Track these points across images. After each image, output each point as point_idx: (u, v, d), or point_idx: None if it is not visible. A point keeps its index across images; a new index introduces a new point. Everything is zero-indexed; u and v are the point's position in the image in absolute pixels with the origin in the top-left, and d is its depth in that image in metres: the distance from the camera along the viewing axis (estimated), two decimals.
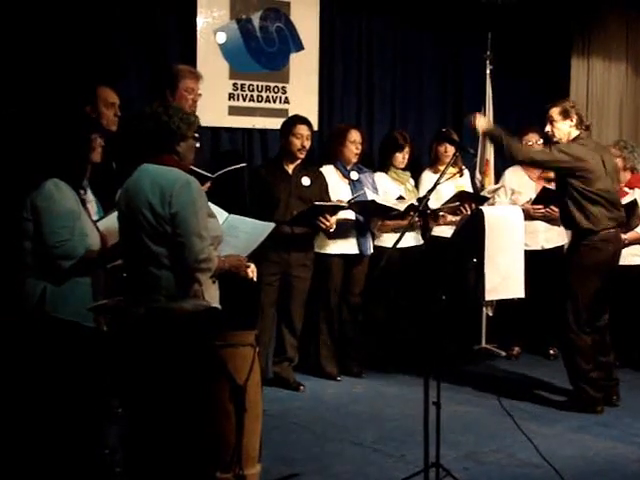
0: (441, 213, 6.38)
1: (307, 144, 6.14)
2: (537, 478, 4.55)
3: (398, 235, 4.27)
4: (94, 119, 5.35)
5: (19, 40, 5.56)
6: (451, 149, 6.76)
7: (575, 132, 5.74)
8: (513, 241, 5.06)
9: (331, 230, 6.11)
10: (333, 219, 6.06)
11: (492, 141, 6.00)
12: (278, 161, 6.23)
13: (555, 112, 5.77)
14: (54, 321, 3.98)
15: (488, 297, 4.97)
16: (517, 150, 5.68)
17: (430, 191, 4.19)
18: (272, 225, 4.47)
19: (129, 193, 3.81)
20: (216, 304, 3.85)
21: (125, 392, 3.75)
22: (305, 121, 6.18)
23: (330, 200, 6.25)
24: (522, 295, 5.53)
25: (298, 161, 6.19)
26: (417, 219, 5.45)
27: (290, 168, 6.19)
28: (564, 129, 5.74)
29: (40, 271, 4.06)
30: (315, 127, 6.94)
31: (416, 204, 5.96)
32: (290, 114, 6.68)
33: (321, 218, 5.99)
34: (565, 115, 5.74)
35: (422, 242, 6.46)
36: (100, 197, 4.71)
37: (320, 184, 6.29)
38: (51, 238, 4.01)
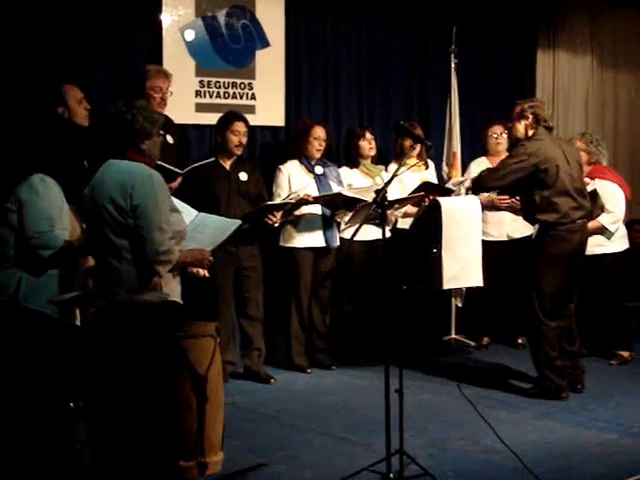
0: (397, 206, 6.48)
1: (244, 140, 6.20)
2: (499, 463, 4.62)
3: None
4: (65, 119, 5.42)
5: None
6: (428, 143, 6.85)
7: (531, 131, 5.85)
8: (471, 231, 5.15)
9: (276, 225, 6.21)
10: (278, 215, 6.16)
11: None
12: (214, 158, 6.25)
13: (514, 112, 5.92)
14: (25, 311, 4.04)
15: (446, 286, 5.05)
16: (484, 180, 5.79)
17: (387, 183, 4.27)
18: (238, 222, 4.51)
19: (94, 188, 3.88)
20: (177, 298, 3.91)
21: (88, 385, 3.79)
22: (242, 118, 6.22)
23: (266, 194, 6.38)
24: (481, 284, 5.63)
25: (234, 157, 6.24)
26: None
27: (227, 164, 6.24)
28: (520, 129, 5.89)
29: (19, 261, 4.12)
30: (282, 123, 7.05)
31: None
32: (257, 110, 6.77)
33: (269, 215, 6.10)
34: (520, 115, 5.88)
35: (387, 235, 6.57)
36: (73, 194, 4.76)
37: (257, 179, 6.37)
38: (31, 229, 4.08)
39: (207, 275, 4.52)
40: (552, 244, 5.77)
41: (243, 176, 6.25)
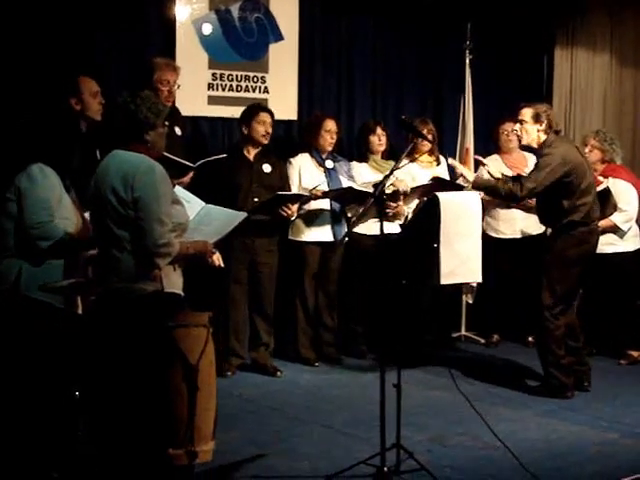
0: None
1: (270, 130, 6.24)
2: (497, 459, 4.62)
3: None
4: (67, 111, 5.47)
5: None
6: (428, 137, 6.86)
7: (543, 136, 5.81)
8: (470, 226, 5.12)
9: (292, 218, 6.24)
10: (294, 207, 6.19)
11: (485, 192, 6.06)
12: (238, 148, 6.31)
13: (527, 114, 5.84)
14: (27, 300, 4.07)
15: (444, 281, 5.04)
16: (516, 190, 5.74)
17: (386, 177, 4.29)
18: (244, 214, 4.52)
19: (97, 178, 3.89)
20: (177, 290, 3.91)
21: (85, 371, 3.84)
22: (266, 109, 6.29)
23: (290, 188, 6.39)
24: (480, 280, 5.62)
25: (259, 148, 6.28)
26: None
27: (251, 155, 6.28)
28: (532, 132, 5.82)
29: (19, 251, 4.15)
30: (295, 117, 7.07)
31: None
32: (270, 104, 6.78)
33: (283, 207, 6.12)
34: (536, 119, 5.81)
35: (397, 230, 6.56)
36: (84, 185, 4.80)
37: (280, 171, 6.39)
38: (31, 218, 4.11)
39: (222, 265, 4.55)
40: (572, 246, 5.75)
41: (266, 168, 6.29)
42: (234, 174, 6.15)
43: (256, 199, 6.14)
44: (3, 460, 3.96)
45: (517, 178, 5.85)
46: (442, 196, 4.90)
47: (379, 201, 4.12)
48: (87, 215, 4.41)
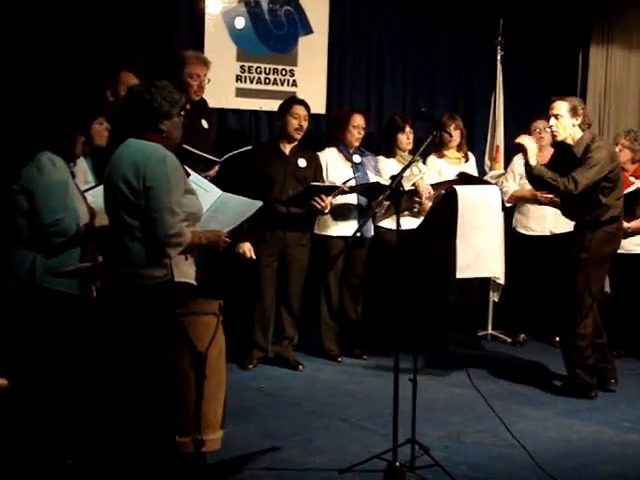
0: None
1: (304, 124, 6.22)
2: (514, 457, 4.57)
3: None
4: (102, 102, 5.51)
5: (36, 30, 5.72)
6: (456, 134, 6.82)
7: (579, 132, 5.69)
8: (488, 220, 5.02)
9: (326, 211, 6.21)
10: (328, 200, 6.15)
11: (539, 182, 5.84)
12: (275, 142, 6.32)
13: (563, 108, 5.68)
14: (44, 291, 4.07)
15: (460, 275, 4.97)
16: (571, 187, 5.60)
17: (404, 169, 4.24)
18: (259, 203, 4.47)
19: (111, 166, 3.88)
20: (189, 280, 3.89)
21: (97, 357, 3.85)
22: (302, 102, 6.26)
23: (324, 183, 6.34)
24: (499, 275, 5.56)
25: (295, 142, 6.27)
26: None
27: (287, 149, 6.26)
28: (569, 127, 5.68)
29: (31, 243, 4.13)
30: (323, 110, 7.04)
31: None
32: (298, 97, 6.76)
33: (316, 198, 6.08)
34: (573, 113, 5.67)
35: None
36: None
37: (316, 166, 6.37)
38: (48, 216, 4.08)
39: (254, 257, 4.55)
40: (607, 242, 5.69)
41: (302, 162, 6.28)
42: (269, 167, 6.16)
43: (291, 192, 6.15)
44: (19, 447, 3.98)
45: (567, 174, 5.70)
46: (460, 189, 4.84)
47: (396, 193, 4.07)
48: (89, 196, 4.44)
